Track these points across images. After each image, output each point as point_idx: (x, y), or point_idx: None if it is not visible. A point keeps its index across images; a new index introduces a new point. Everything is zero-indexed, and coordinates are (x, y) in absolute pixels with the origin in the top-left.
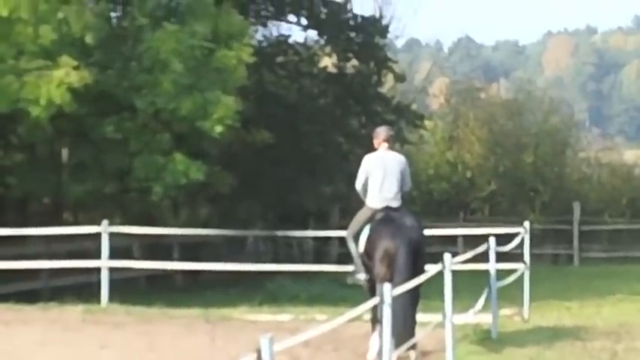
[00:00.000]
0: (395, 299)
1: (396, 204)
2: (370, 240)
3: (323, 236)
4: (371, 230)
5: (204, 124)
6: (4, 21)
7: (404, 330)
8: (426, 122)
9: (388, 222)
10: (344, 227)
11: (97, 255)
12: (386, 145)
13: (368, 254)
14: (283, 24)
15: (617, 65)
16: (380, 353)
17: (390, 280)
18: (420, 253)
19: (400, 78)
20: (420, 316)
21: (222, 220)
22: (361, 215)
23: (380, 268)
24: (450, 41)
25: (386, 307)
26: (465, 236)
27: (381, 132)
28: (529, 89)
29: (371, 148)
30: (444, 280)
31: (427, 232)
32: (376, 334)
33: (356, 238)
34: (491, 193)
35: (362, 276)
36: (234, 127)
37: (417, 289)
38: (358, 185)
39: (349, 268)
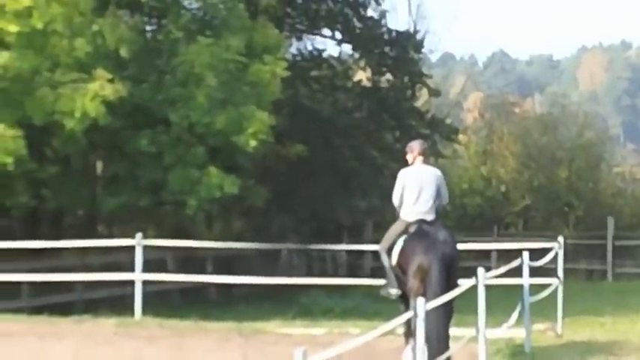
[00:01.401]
0: (428, 314)
1: (430, 217)
2: (404, 254)
3: (357, 250)
4: (404, 244)
5: (238, 139)
6: (40, 33)
7: (437, 345)
8: (460, 136)
9: (422, 236)
10: (378, 241)
11: (130, 268)
12: (421, 158)
13: (401, 268)
14: (318, 38)
15: None
16: None
17: (424, 295)
18: (454, 268)
19: (434, 92)
20: (453, 331)
21: (256, 233)
22: (395, 228)
23: (413, 282)
24: (485, 56)
25: (419, 321)
26: (498, 251)
27: (415, 146)
28: (563, 104)
29: (405, 162)
30: (478, 294)
31: (461, 246)
32: (409, 347)
33: (389, 251)
34: (525, 207)
35: (394, 290)
36: (269, 141)
37: (450, 303)
38: (395, 200)
39: (382, 281)
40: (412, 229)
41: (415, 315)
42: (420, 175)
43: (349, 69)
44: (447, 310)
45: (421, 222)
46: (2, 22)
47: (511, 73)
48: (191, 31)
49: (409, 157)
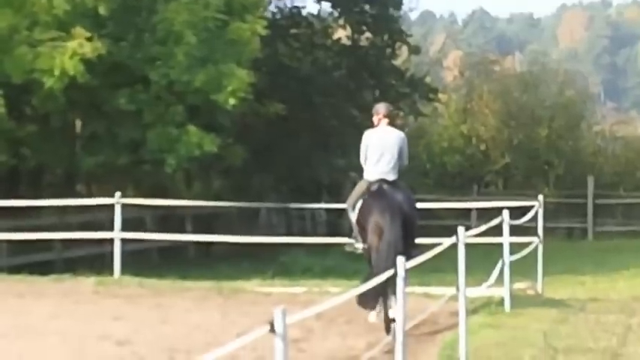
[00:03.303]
0: (382, 266)
1: (391, 177)
2: (362, 212)
3: (336, 209)
4: (363, 202)
5: (217, 97)
6: None
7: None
8: (440, 95)
9: (380, 196)
10: None
11: (109, 227)
12: (386, 120)
13: (360, 225)
14: None
15: (632, 38)
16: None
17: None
18: (410, 227)
19: (414, 50)
20: (433, 289)
21: (235, 192)
22: (359, 187)
23: (372, 239)
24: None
25: (399, 280)
26: (478, 209)
27: (381, 109)
28: (543, 62)
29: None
30: (458, 253)
31: (440, 204)
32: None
33: (354, 208)
34: (506, 166)
35: (360, 244)
36: (248, 100)
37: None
38: (362, 160)
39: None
40: (372, 189)
41: (396, 274)
42: (383, 137)
43: (329, 27)
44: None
45: (382, 181)
46: None
47: (491, 31)
48: None
49: (375, 119)
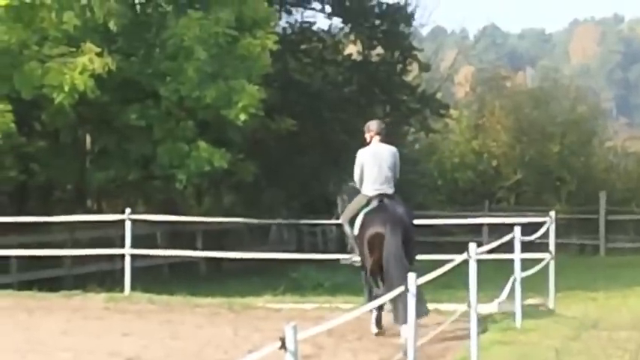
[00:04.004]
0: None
1: (390, 191)
2: (363, 225)
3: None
4: (365, 217)
5: (228, 112)
6: (28, 7)
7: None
8: (452, 111)
9: (381, 210)
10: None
11: (120, 243)
12: (378, 137)
13: (360, 239)
14: (308, 11)
15: None
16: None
17: (379, 263)
18: (409, 240)
19: (425, 67)
20: (444, 306)
21: (246, 208)
22: (356, 202)
23: (366, 251)
24: (476, 29)
25: (410, 296)
26: (490, 225)
27: (373, 125)
28: (555, 78)
29: (395, 137)
30: (469, 269)
31: (452, 221)
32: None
33: (351, 222)
34: (517, 182)
35: (357, 258)
36: (258, 115)
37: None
38: (356, 177)
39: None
40: (373, 204)
41: (407, 290)
42: (377, 153)
43: (339, 42)
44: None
45: (382, 196)
46: None
47: (503, 47)
48: (180, 5)
49: (367, 137)
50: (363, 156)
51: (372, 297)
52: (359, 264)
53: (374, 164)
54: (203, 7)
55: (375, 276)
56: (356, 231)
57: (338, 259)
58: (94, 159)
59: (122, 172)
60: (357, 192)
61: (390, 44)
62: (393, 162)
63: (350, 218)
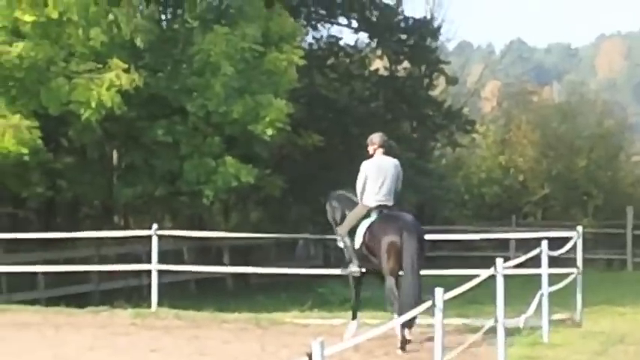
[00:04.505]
0: (407, 286)
1: (390, 203)
2: (374, 235)
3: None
4: (374, 226)
5: (255, 128)
6: (55, 23)
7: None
8: (478, 126)
9: (392, 219)
10: None
11: (147, 258)
12: (381, 150)
13: (369, 248)
14: (334, 26)
15: None
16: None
17: (398, 271)
18: (423, 247)
19: (452, 80)
20: (471, 321)
21: (273, 223)
22: (356, 213)
23: (387, 261)
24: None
25: (437, 311)
26: (517, 240)
27: (376, 138)
28: (582, 92)
29: (422, 152)
30: (496, 284)
31: (479, 235)
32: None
33: (350, 233)
34: (544, 196)
35: (356, 268)
36: (285, 130)
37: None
38: (359, 188)
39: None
40: (376, 214)
41: (433, 304)
42: (381, 165)
43: (366, 57)
44: (420, 283)
45: (382, 207)
46: (18, 11)
47: (529, 62)
48: (207, 20)
49: (370, 149)
50: (367, 167)
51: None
52: (358, 274)
53: (378, 176)
54: (229, 22)
55: (392, 288)
56: (360, 241)
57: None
58: (121, 175)
59: (149, 188)
60: (347, 199)
61: (416, 59)
62: (396, 174)
63: (349, 229)
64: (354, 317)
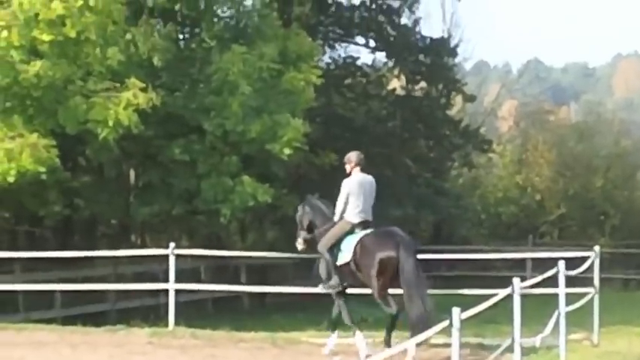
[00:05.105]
0: (414, 303)
1: (370, 218)
2: (368, 250)
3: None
4: (365, 241)
5: (272, 147)
6: (73, 42)
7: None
8: (495, 145)
9: (387, 234)
10: None
11: (164, 277)
12: (358, 168)
13: (357, 263)
14: (351, 45)
15: None
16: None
17: (388, 288)
18: (418, 260)
19: (469, 98)
20: (488, 340)
21: (290, 242)
22: (338, 229)
23: (378, 277)
24: (519, 63)
25: (454, 330)
26: (533, 260)
27: (353, 157)
28: (599, 112)
29: (439, 171)
30: (513, 304)
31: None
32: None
33: (330, 249)
34: (561, 216)
35: (335, 282)
36: (302, 150)
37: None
38: (340, 205)
39: None
40: (359, 229)
41: (451, 324)
42: (362, 182)
43: (383, 77)
44: (427, 295)
45: (365, 223)
46: (36, 31)
47: (546, 81)
48: (224, 40)
49: (347, 167)
50: (349, 185)
51: (340, 318)
52: (338, 289)
53: (360, 193)
54: (247, 41)
55: (386, 297)
56: (348, 257)
57: None
58: (138, 194)
59: (166, 207)
60: (319, 208)
61: (433, 78)
62: (373, 191)
63: (330, 246)
64: (333, 330)
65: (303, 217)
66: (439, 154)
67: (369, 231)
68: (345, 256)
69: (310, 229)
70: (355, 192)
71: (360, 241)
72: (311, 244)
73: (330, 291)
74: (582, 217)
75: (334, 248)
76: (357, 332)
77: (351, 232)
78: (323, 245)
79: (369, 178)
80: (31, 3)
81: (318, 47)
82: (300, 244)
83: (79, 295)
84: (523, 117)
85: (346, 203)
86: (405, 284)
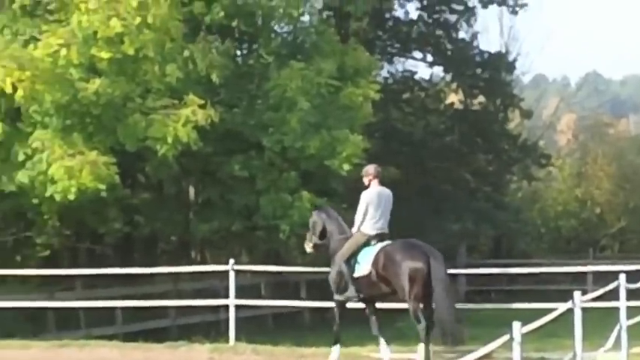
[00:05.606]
0: (443, 311)
1: (387, 231)
2: (393, 261)
3: (450, 273)
4: (389, 252)
5: (331, 163)
6: (131, 59)
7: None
8: (554, 159)
9: (412, 245)
10: (472, 265)
11: (224, 293)
12: (376, 181)
13: (382, 275)
14: (409, 60)
15: None
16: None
17: (422, 296)
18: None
19: (526, 114)
20: (549, 354)
21: None
22: (355, 241)
23: (411, 287)
24: (577, 76)
25: (515, 344)
26: (594, 273)
27: (371, 169)
28: None
29: (498, 185)
30: (574, 317)
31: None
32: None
33: (347, 261)
34: (621, 229)
35: (352, 293)
36: (361, 165)
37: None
38: (359, 217)
39: (475, 305)
40: (376, 241)
41: (511, 338)
42: (380, 195)
43: (441, 91)
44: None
45: (381, 235)
46: (94, 48)
47: (604, 94)
48: (282, 56)
49: (365, 180)
50: (369, 196)
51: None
52: (356, 300)
53: (378, 205)
54: (305, 57)
55: (417, 310)
56: (367, 268)
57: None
58: (197, 210)
59: (226, 223)
60: (335, 217)
61: (491, 93)
62: (391, 204)
63: (347, 257)
64: (336, 342)
65: (316, 223)
66: (498, 168)
67: (388, 242)
68: (363, 267)
69: (322, 235)
70: (374, 203)
71: (383, 253)
72: (320, 250)
73: (341, 300)
74: None
75: (351, 259)
76: (382, 341)
77: (367, 244)
78: (340, 256)
79: (387, 191)
80: (90, 21)
81: (375, 62)
82: (309, 247)
83: (140, 312)
84: (582, 130)
85: (365, 215)
86: (436, 292)
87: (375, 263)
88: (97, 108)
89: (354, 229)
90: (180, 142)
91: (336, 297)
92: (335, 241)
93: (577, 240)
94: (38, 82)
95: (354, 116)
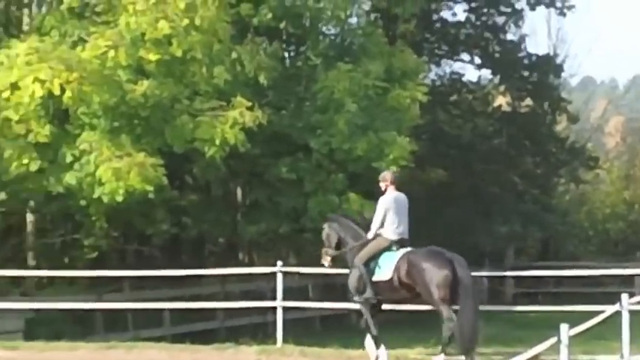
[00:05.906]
0: (468, 317)
1: (407, 237)
2: (419, 268)
3: (498, 276)
4: (413, 258)
5: (379, 164)
6: (179, 61)
7: (471, 344)
8: (602, 161)
9: (437, 252)
10: (519, 268)
11: (271, 295)
12: (393, 186)
13: (405, 281)
14: (457, 62)
15: None
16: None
17: (450, 301)
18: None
19: (573, 119)
20: (598, 357)
21: None
22: (376, 246)
23: (439, 291)
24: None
25: (563, 347)
26: None
27: (388, 175)
28: None
29: (546, 188)
30: (622, 320)
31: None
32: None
33: (366, 264)
34: None
35: (370, 295)
36: (409, 167)
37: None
38: (377, 222)
39: (522, 307)
40: (397, 247)
41: (559, 340)
42: (398, 200)
43: (489, 94)
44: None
45: (402, 240)
46: (142, 50)
47: None
48: (330, 57)
49: (382, 185)
50: (387, 202)
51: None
52: (374, 300)
53: (397, 210)
54: (352, 59)
55: (448, 311)
56: (388, 273)
57: (489, 311)
58: (245, 212)
59: (273, 225)
60: (348, 225)
61: (539, 95)
62: (407, 210)
63: (366, 260)
64: (378, 346)
65: (330, 235)
66: (546, 171)
67: (410, 249)
68: (384, 272)
69: (338, 246)
70: (393, 209)
71: (407, 259)
72: (338, 261)
73: (361, 301)
74: None
75: (371, 263)
76: (382, 346)
77: (388, 248)
78: (360, 259)
79: (403, 196)
80: (138, 23)
81: (423, 64)
82: (326, 262)
83: (188, 313)
84: (630, 132)
85: (383, 220)
86: (463, 297)
87: (397, 269)
88: (145, 110)
89: (370, 235)
90: (227, 144)
91: (357, 299)
92: (354, 247)
93: (625, 242)
94: (86, 83)
95: (401, 118)
